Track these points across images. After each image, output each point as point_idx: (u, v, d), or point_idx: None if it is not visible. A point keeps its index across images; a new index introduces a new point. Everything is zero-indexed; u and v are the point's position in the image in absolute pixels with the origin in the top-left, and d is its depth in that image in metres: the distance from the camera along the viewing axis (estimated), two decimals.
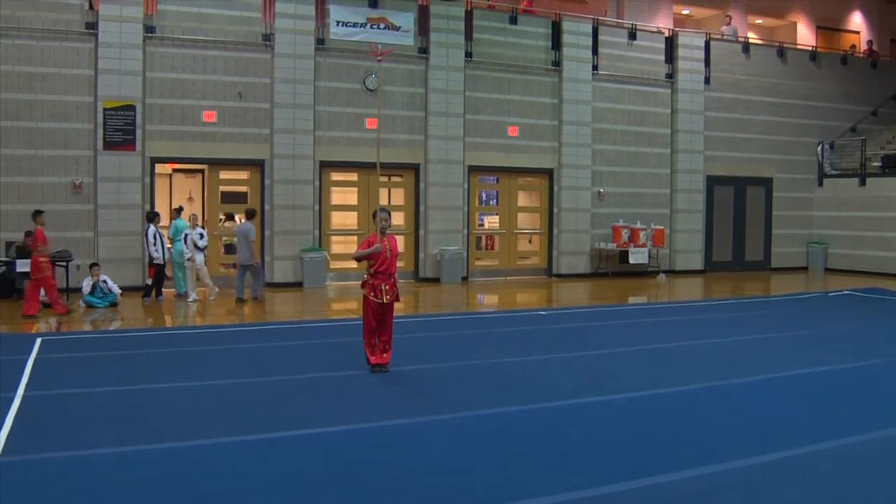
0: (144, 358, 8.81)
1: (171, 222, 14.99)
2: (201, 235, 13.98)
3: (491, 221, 19.79)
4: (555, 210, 18.89)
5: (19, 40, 14.20)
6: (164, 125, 15.24)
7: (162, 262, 13.84)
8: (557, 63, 18.71)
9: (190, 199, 18.46)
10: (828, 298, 15.51)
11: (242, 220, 14.17)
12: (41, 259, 12.02)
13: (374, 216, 8.10)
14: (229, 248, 17.08)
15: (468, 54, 17.77)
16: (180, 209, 15.22)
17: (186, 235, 13.92)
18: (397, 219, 16.74)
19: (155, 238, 13.69)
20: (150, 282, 13.99)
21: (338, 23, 16.55)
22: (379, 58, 9.44)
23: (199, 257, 13.98)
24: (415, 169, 17.46)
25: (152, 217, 13.96)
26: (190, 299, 13.82)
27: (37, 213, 12.30)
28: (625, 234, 18.89)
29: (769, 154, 21.31)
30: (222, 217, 17.05)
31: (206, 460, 5.26)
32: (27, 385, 7.25)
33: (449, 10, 17.57)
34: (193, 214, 14.41)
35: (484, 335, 10.69)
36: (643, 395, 7.15)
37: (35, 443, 5.56)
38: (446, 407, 6.69)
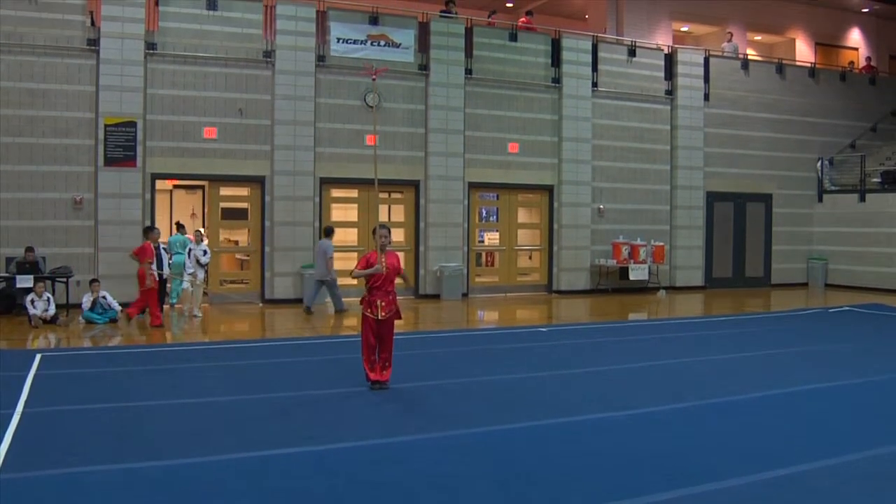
0: (143, 374, 8.80)
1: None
2: (205, 252, 14.00)
3: (491, 238, 19.78)
4: (555, 226, 18.91)
5: (21, 56, 14.27)
6: (164, 141, 15.28)
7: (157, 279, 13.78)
8: (557, 80, 18.78)
9: (193, 215, 18.50)
10: (828, 314, 15.49)
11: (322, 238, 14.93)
12: (146, 272, 12.61)
13: (374, 233, 8.15)
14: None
15: (468, 71, 17.84)
16: (180, 225, 15.24)
17: (191, 251, 13.91)
18: (397, 235, 16.74)
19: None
20: None
21: (338, 40, 16.63)
22: (373, 76, 9.48)
23: (201, 274, 14.00)
24: (415, 185, 17.49)
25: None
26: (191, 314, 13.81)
27: (149, 230, 13.24)
28: (625, 251, 18.89)
29: (769, 170, 21.36)
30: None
31: (205, 477, 5.24)
32: (26, 402, 7.23)
33: (449, 27, 17.68)
34: (199, 230, 14.38)
35: (484, 352, 10.67)
36: (643, 412, 7.13)
37: (34, 460, 5.54)
38: (446, 424, 6.67)
